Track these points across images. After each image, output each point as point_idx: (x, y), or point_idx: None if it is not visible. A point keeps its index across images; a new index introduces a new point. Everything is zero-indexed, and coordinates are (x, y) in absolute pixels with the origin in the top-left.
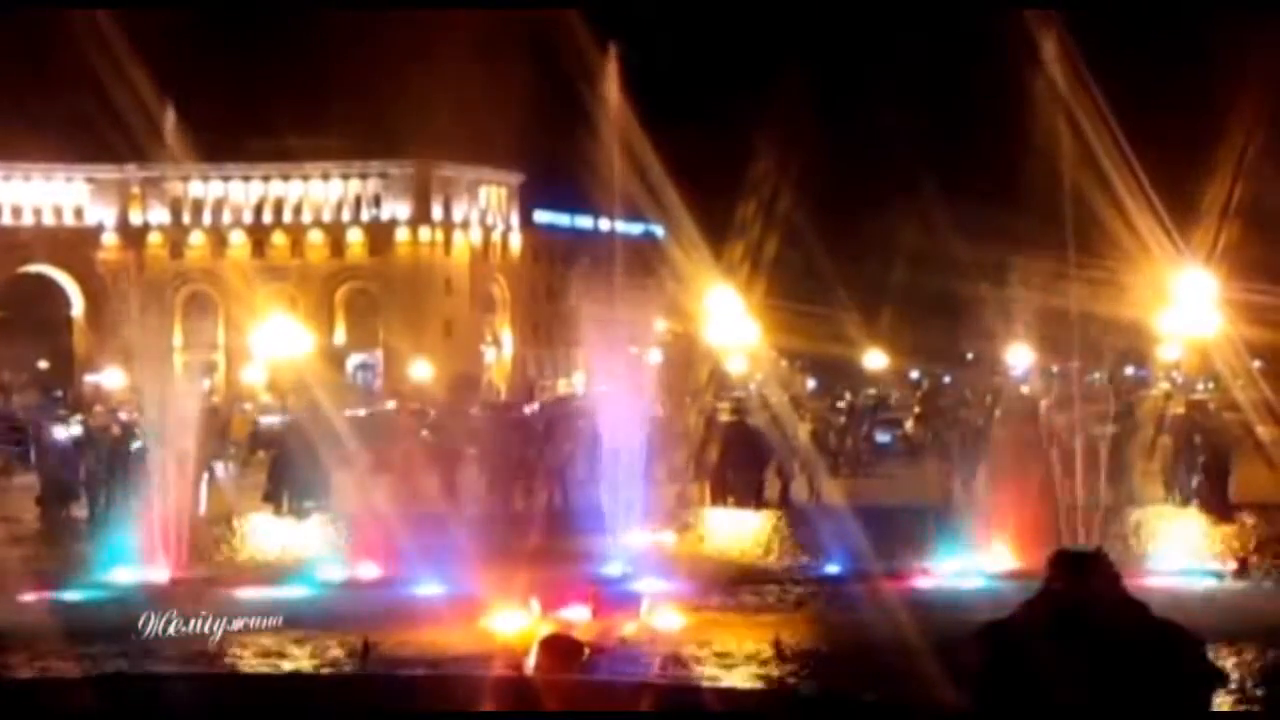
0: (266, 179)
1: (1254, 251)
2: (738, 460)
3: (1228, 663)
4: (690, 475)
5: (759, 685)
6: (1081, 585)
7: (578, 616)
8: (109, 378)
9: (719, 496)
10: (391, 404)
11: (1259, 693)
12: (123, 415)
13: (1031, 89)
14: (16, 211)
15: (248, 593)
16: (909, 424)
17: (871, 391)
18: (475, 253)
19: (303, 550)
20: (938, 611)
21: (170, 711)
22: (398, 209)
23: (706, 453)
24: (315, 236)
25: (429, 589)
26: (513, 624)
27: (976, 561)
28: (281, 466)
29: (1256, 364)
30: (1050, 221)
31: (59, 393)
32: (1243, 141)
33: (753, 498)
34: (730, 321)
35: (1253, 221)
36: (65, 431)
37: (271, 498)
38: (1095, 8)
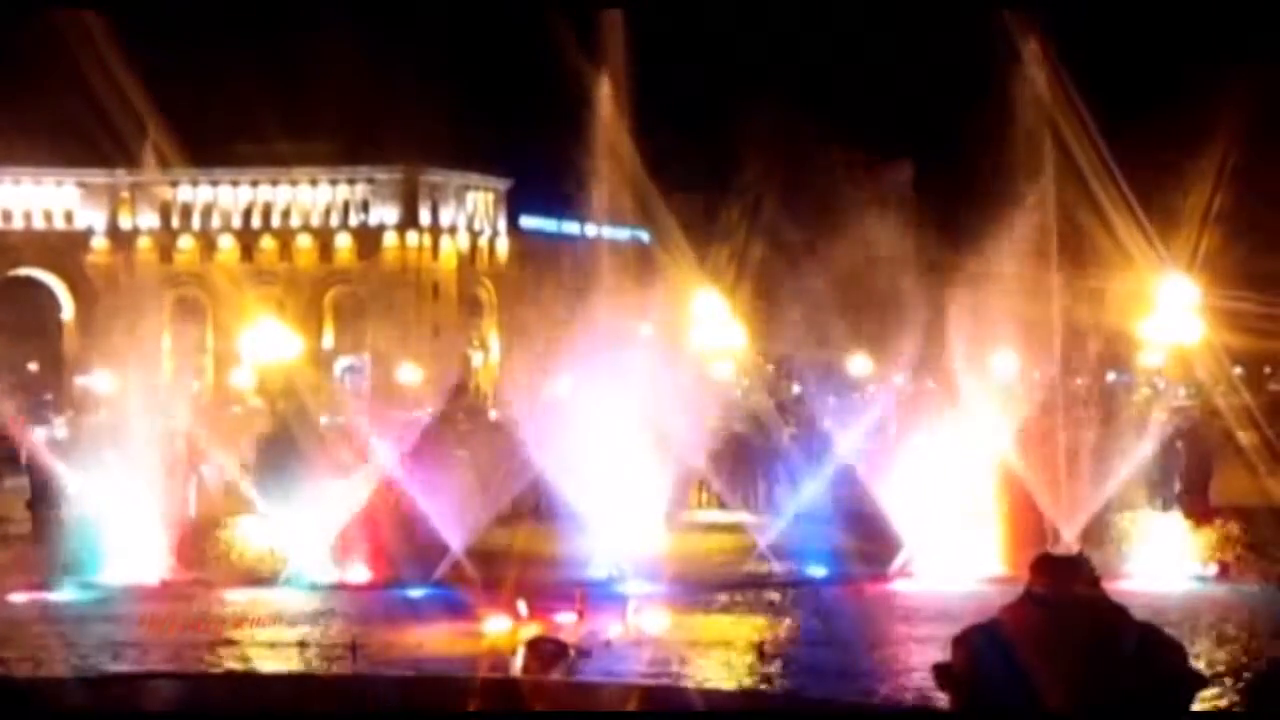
0: (255, 184)
1: (1236, 258)
2: (723, 465)
3: (1209, 664)
4: (677, 480)
5: (743, 686)
6: (1063, 589)
7: (564, 618)
8: (98, 381)
9: (704, 500)
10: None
11: (1240, 693)
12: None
13: (1015, 95)
14: (6, 215)
15: (237, 594)
16: (892, 429)
17: (856, 396)
18: (463, 257)
19: (291, 552)
20: (920, 614)
21: (159, 711)
22: (385, 214)
23: (693, 458)
24: (304, 241)
25: (417, 591)
26: (500, 626)
27: (959, 565)
28: (270, 469)
29: (1237, 370)
30: (1034, 227)
31: (49, 396)
32: (1224, 148)
33: (738, 502)
34: (716, 326)
35: (1234, 228)
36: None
37: (259, 500)
38: (1078, 15)
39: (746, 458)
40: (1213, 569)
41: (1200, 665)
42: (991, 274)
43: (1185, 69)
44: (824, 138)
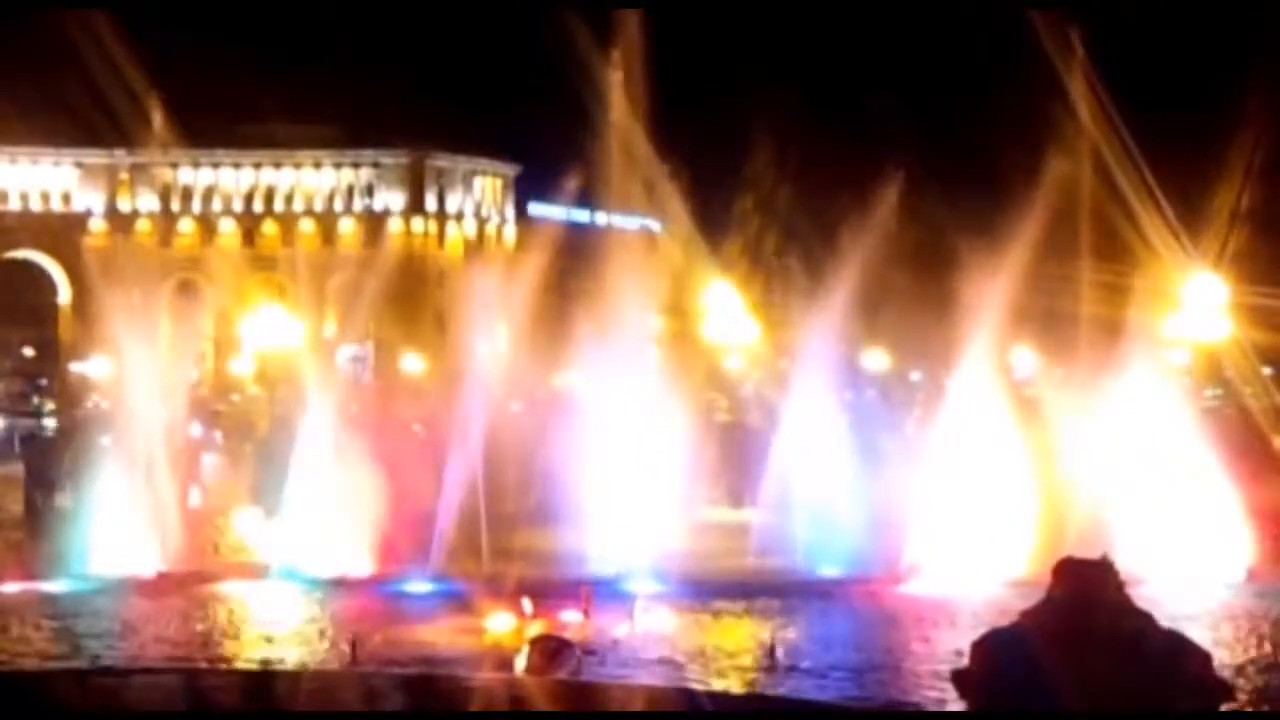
0: (257, 166)
1: (1264, 255)
2: (734, 461)
3: (1236, 671)
4: (686, 476)
5: (751, 688)
6: (1086, 594)
7: (570, 617)
8: (95, 366)
9: (714, 497)
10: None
11: (1266, 698)
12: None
13: (1042, 92)
14: (2, 196)
15: (234, 587)
16: (909, 427)
17: (870, 393)
18: (469, 245)
19: (291, 545)
20: (934, 616)
21: (156, 705)
22: (391, 199)
23: (703, 453)
24: (306, 226)
25: (419, 587)
26: (504, 623)
27: (974, 567)
28: (269, 460)
29: (1267, 370)
30: (1059, 224)
31: (43, 381)
32: (1252, 144)
33: (748, 499)
34: (728, 318)
35: (1263, 224)
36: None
37: (259, 491)
38: (1106, 12)
39: (757, 453)
40: (1241, 573)
41: (1227, 673)
42: (1013, 269)
43: (1213, 65)
44: (835, 130)
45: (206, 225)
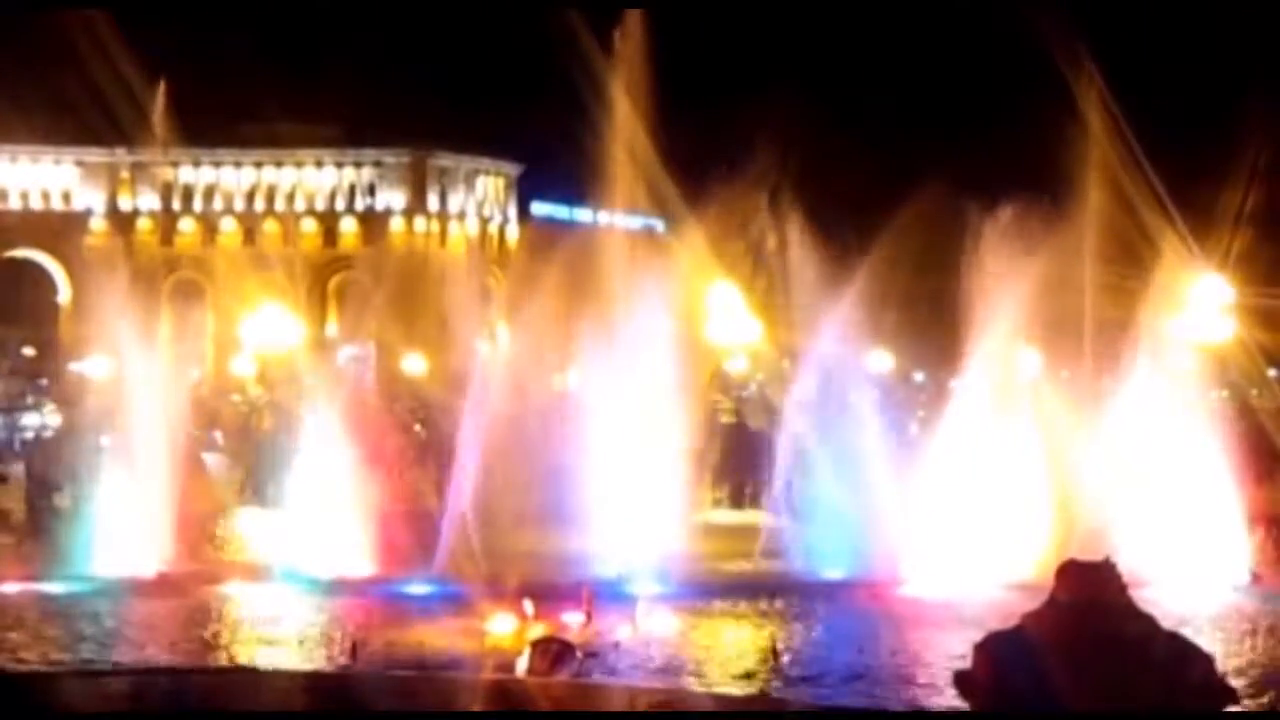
0: (259, 165)
1: (1270, 256)
2: (737, 462)
3: (1239, 675)
4: (689, 477)
5: (754, 690)
6: (1089, 596)
7: (571, 619)
8: (95, 366)
9: (717, 499)
10: None
11: (1270, 702)
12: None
13: (1047, 95)
14: (2, 195)
15: (234, 588)
16: (912, 428)
17: (874, 393)
18: (471, 244)
19: (290, 547)
20: (937, 618)
21: (156, 706)
22: (392, 198)
23: (706, 455)
24: (308, 225)
25: (420, 588)
26: (505, 625)
27: (977, 569)
28: (268, 460)
29: (1272, 372)
30: (1064, 225)
31: (44, 381)
32: (1257, 145)
33: (751, 500)
34: (732, 319)
35: (1268, 226)
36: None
37: (258, 492)
38: (1112, 15)
39: (759, 455)
40: (1246, 577)
41: (1230, 676)
42: (1016, 271)
43: (1218, 66)
44: (840, 130)
45: (207, 224)
